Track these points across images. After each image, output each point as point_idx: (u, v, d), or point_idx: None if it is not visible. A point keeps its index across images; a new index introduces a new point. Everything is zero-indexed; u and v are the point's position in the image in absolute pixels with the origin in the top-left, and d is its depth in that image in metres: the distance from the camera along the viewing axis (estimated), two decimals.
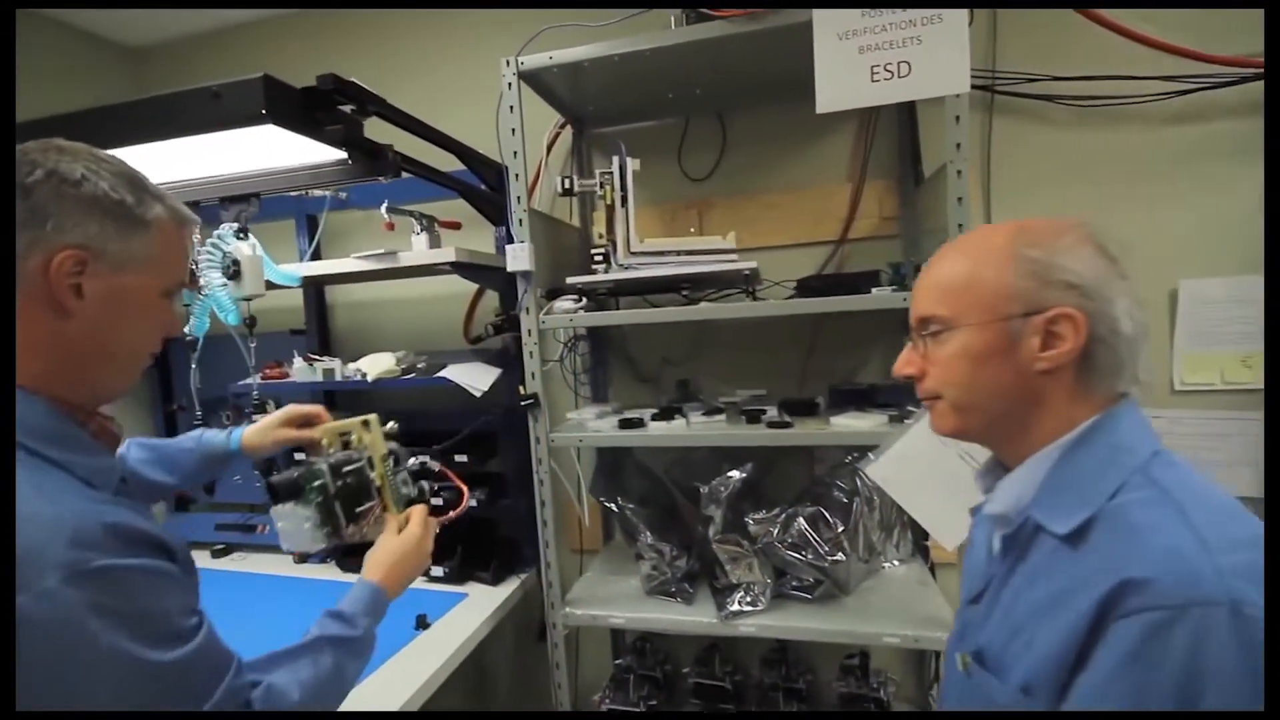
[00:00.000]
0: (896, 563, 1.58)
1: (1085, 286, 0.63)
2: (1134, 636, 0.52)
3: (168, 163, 1.34)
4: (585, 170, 1.81)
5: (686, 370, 1.77)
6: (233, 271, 1.30)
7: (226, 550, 2.07)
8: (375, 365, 1.60)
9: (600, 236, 1.55)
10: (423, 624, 1.48)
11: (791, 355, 1.71)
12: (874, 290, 1.33)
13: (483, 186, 1.70)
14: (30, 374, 0.63)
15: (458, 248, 1.47)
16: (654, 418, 1.44)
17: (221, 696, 0.63)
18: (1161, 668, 0.50)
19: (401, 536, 0.95)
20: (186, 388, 2.16)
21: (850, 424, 1.30)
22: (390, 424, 1.07)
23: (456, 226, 1.74)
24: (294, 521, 0.91)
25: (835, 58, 1.18)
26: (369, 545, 0.97)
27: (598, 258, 1.44)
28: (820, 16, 1.17)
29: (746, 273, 1.34)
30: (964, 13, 1.13)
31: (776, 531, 1.37)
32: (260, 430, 1.12)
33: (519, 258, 1.35)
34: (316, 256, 2.02)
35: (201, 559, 2.04)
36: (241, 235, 1.33)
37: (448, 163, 1.56)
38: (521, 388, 1.41)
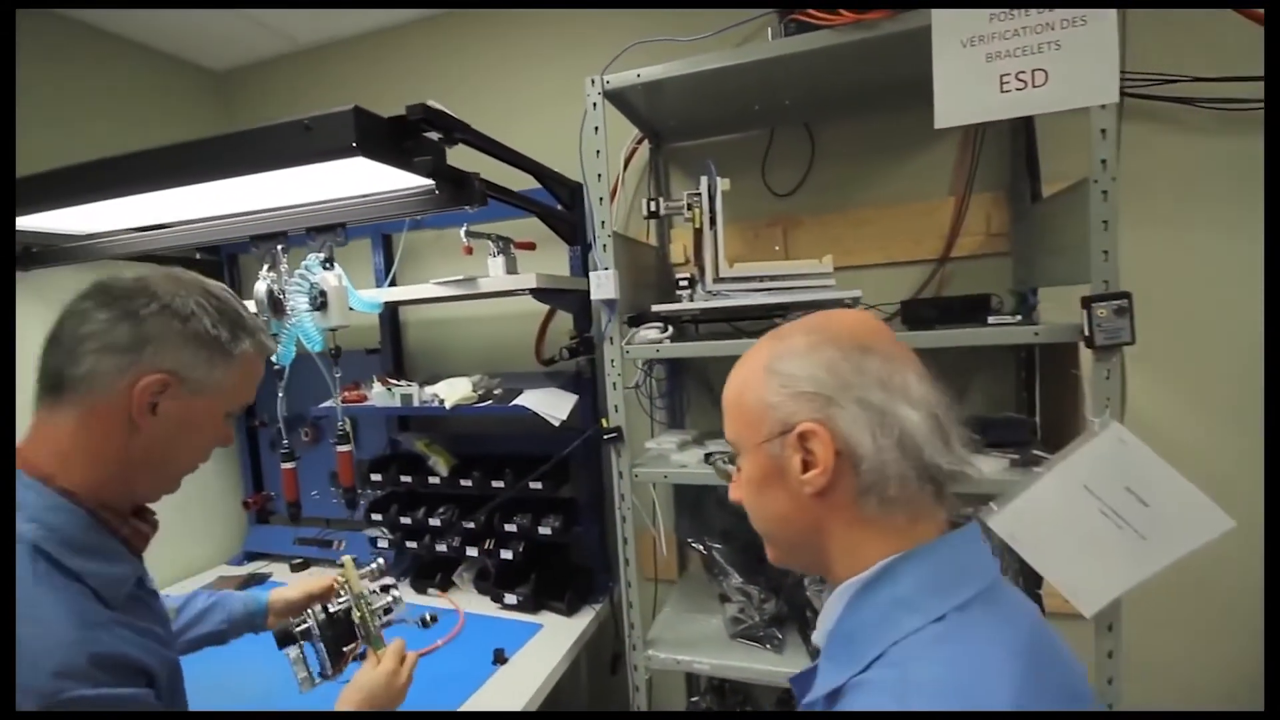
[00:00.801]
0: None
1: (826, 394, 0.56)
2: None
3: (252, 192, 1.34)
4: (663, 187, 1.74)
5: None
6: (319, 302, 1.29)
7: (304, 564, 2.10)
8: (452, 391, 1.58)
9: (686, 260, 1.47)
10: (500, 658, 1.44)
11: None
12: (991, 320, 1.21)
13: (558, 206, 1.65)
14: (85, 480, 0.69)
15: (538, 273, 1.42)
16: None
17: None
18: None
19: (374, 672, 0.97)
20: (268, 406, 2.22)
21: None
22: (375, 564, 1.14)
23: (531, 247, 1.70)
24: (295, 664, 1.03)
25: (958, 66, 1.07)
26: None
27: (682, 283, 1.36)
28: (941, 20, 1.06)
29: (849, 302, 1.23)
30: (1112, 13, 1.00)
31: None
32: (285, 606, 1.15)
33: (603, 285, 1.29)
34: (392, 275, 2.02)
35: (280, 572, 2.09)
36: (328, 265, 1.32)
37: (520, 180, 1.52)
38: (604, 420, 1.35)
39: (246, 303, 0.87)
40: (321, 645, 1.02)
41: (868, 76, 1.35)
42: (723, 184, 1.31)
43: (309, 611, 1.04)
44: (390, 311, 2.05)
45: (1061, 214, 1.20)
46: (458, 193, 1.17)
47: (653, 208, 1.34)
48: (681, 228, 1.73)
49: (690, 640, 1.42)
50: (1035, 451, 1.18)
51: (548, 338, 1.90)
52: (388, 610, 1.09)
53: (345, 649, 1.04)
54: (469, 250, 1.52)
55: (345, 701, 0.93)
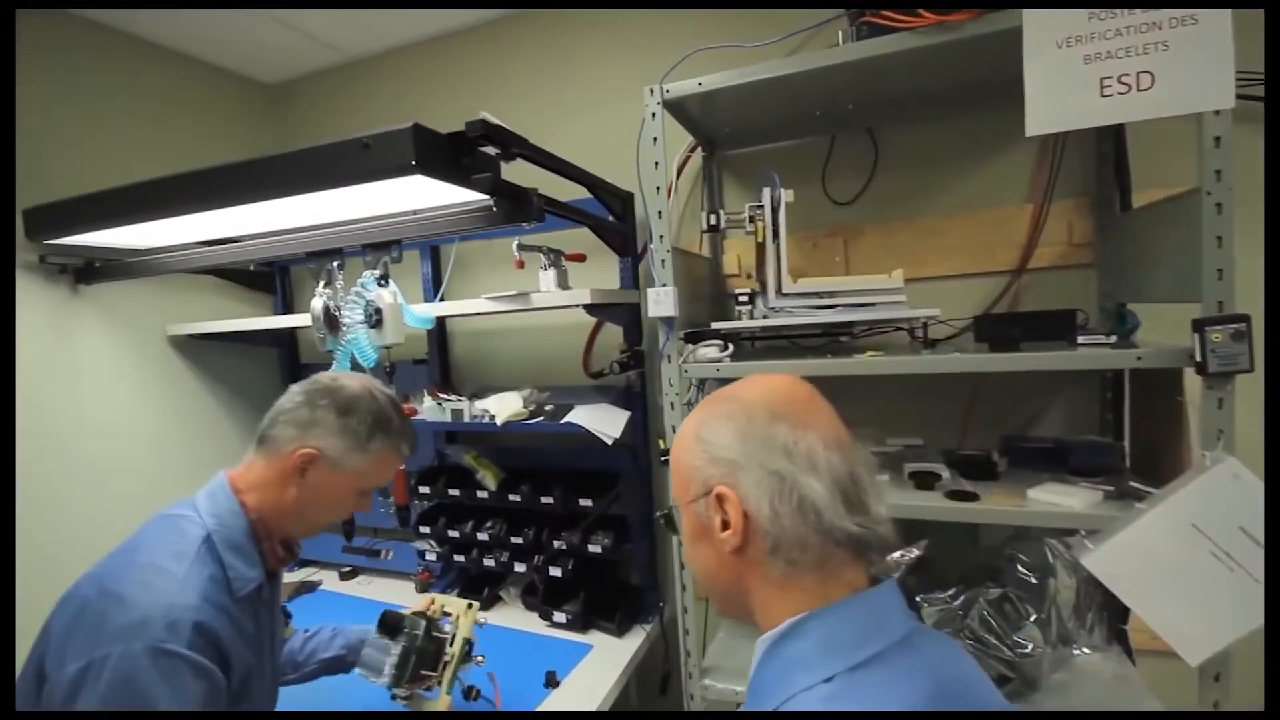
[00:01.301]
0: (1088, 650, 1.35)
1: (731, 459, 0.61)
2: None
3: (308, 208, 1.33)
4: (716, 196, 1.68)
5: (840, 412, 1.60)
6: (375, 320, 1.28)
7: (353, 573, 2.12)
8: (504, 407, 1.55)
9: (741, 272, 1.41)
10: (552, 682, 1.42)
11: (950, 400, 1.51)
12: (1082, 340, 1.12)
13: (609, 216, 1.62)
14: (257, 504, 0.98)
15: (592, 289, 1.39)
16: None
17: None
18: None
19: None
20: None
21: (1054, 500, 1.10)
22: (482, 617, 1.30)
23: (581, 259, 1.67)
24: (379, 651, 1.20)
25: (1053, 69, 0.99)
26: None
27: (742, 299, 1.31)
28: (1035, 21, 0.98)
29: (923, 321, 1.16)
30: (1227, 13, 0.91)
31: (955, 616, 1.19)
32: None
33: (662, 303, 1.24)
34: (443, 290, 2.02)
35: (330, 579, 2.10)
36: (383, 282, 1.30)
37: (570, 189, 1.49)
38: (660, 440, 1.31)
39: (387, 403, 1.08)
40: (411, 656, 1.18)
41: (942, 79, 1.27)
42: (786, 195, 1.25)
43: (420, 622, 1.22)
44: (438, 322, 2.04)
45: (1161, 225, 1.11)
46: (516, 209, 1.14)
47: (712, 221, 1.29)
48: (735, 238, 1.68)
49: (747, 669, 1.36)
50: (1133, 483, 1.09)
51: (595, 350, 1.87)
52: (466, 657, 1.23)
53: (421, 673, 1.19)
54: (520, 264, 1.49)
55: None
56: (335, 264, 1.35)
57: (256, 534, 0.97)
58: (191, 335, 1.95)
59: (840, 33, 1.16)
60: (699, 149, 1.65)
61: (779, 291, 1.26)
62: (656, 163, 1.25)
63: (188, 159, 1.27)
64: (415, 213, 1.41)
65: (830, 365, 1.18)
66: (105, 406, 1.79)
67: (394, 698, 1.22)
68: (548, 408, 1.61)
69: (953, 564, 1.39)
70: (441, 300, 1.93)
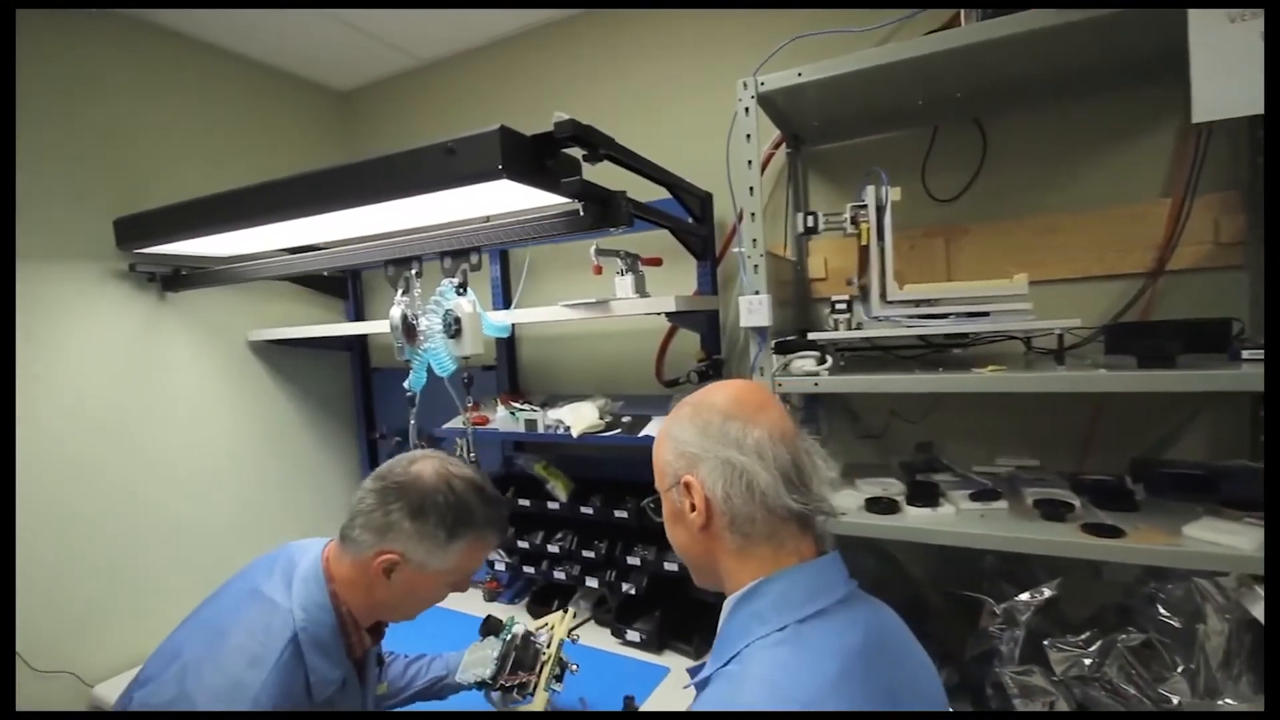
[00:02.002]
0: (1232, 701, 1.19)
1: (693, 453, 0.73)
2: None
3: (386, 215, 1.31)
4: (802, 195, 1.58)
5: (924, 429, 1.48)
6: (454, 330, 1.24)
7: None
8: (579, 418, 1.50)
9: (849, 280, 1.31)
10: (630, 707, 1.35)
11: (1067, 416, 1.36)
12: (1246, 355, 0.98)
13: (689, 219, 1.54)
14: (347, 597, 0.96)
15: (676, 296, 1.31)
16: (909, 499, 1.19)
17: None
18: None
19: None
20: (388, 418, 2.26)
21: (1216, 539, 0.96)
22: (576, 634, 1.31)
23: (658, 263, 1.60)
24: (480, 651, 1.22)
25: (1224, 47, 0.86)
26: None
27: (840, 306, 1.21)
28: None
29: (1059, 333, 1.04)
30: None
31: (1090, 664, 1.06)
32: None
33: (755, 311, 1.16)
34: (509, 290, 1.99)
35: None
36: (461, 291, 1.27)
37: (647, 189, 1.41)
38: None
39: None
40: (511, 653, 1.21)
41: (1070, 59, 1.14)
42: (893, 193, 1.14)
43: (519, 625, 1.24)
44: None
45: None
46: (604, 213, 1.08)
47: (809, 223, 1.19)
48: (823, 239, 1.57)
49: None
50: None
51: (668, 357, 1.79)
52: (561, 670, 1.22)
53: (518, 673, 1.21)
54: (598, 270, 1.43)
55: None
56: (414, 271, 1.32)
57: (345, 626, 0.95)
58: (270, 340, 1.98)
59: (962, 13, 1.05)
60: (783, 145, 1.55)
61: (884, 299, 1.15)
62: (749, 161, 1.17)
63: (262, 168, 1.27)
64: (489, 218, 1.37)
65: (951, 381, 1.07)
66: (188, 409, 1.83)
67: (489, 698, 1.23)
68: (625, 419, 1.55)
69: (1074, 603, 1.25)
70: (514, 307, 1.90)
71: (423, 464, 0.99)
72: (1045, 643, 1.09)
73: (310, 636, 0.90)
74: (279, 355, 2.08)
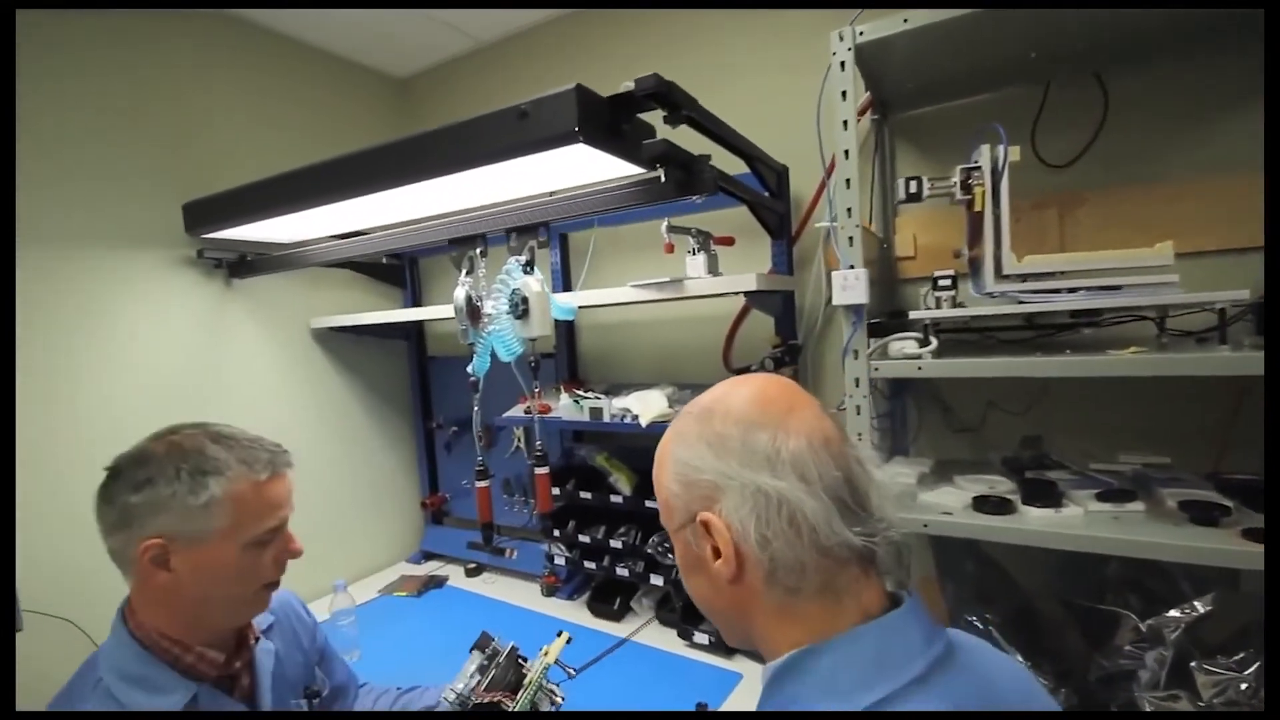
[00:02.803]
0: None
1: (708, 480, 0.55)
2: None
3: (447, 193, 1.25)
4: (888, 167, 1.45)
5: (1028, 422, 1.34)
6: (521, 310, 1.17)
7: (478, 569, 2.08)
8: (647, 407, 1.41)
9: (957, 254, 1.18)
10: (704, 713, 1.26)
11: (1203, 408, 1.20)
12: None
13: (765, 193, 1.43)
14: (153, 622, 0.82)
15: (757, 274, 1.21)
16: (1025, 499, 1.05)
17: None
18: None
19: None
20: (444, 407, 2.23)
21: None
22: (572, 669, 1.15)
23: (730, 242, 1.49)
24: (464, 667, 1.09)
25: None
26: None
27: (943, 282, 1.09)
28: None
29: (1221, 307, 0.89)
30: None
31: (1246, 689, 0.92)
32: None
33: (852, 288, 1.04)
34: (568, 275, 1.92)
35: (455, 575, 2.08)
36: (528, 269, 1.20)
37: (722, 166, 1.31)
38: None
39: None
40: (493, 669, 1.07)
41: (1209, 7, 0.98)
42: (1011, 153, 1.01)
43: (510, 644, 1.10)
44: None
45: None
46: (686, 180, 0.99)
47: (911, 189, 1.07)
48: (911, 214, 1.44)
49: None
50: None
51: (736, 343, 1.69)
52: (552, 699, 1.08)
53: (495, 693, 1.06)
54: (670, 248, 1.34)
55: None
56: (478, 250, 1.26)
57: (165, 652, 0.82)
58: (331, 328, 1.97)
59: None
60: (867, 112, 1.43)
61: (999, 273, 1.02)
62: (845, 122, 1.05)
63: (324, 156, 1.23)
64: (553, 194, 1.30)
65: (1086, 365, 0.93)
66: (251, 394, 1.84)
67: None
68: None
69: (1210, 619, 1.09)
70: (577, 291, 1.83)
71: (126, 452, 0.84)
72: (1192, 665, 0.94)
73: (117, 676, 0.79)
74: (339, 344, 2.07)
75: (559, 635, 1.11)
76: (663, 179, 0.99)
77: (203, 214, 1.51)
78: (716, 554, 0.55)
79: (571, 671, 1.12)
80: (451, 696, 1.05)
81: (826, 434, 0.55)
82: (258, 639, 0.95)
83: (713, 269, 1.37)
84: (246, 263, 1.72)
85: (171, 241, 1.65)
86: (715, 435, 0.56)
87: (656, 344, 1.87)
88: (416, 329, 2.23)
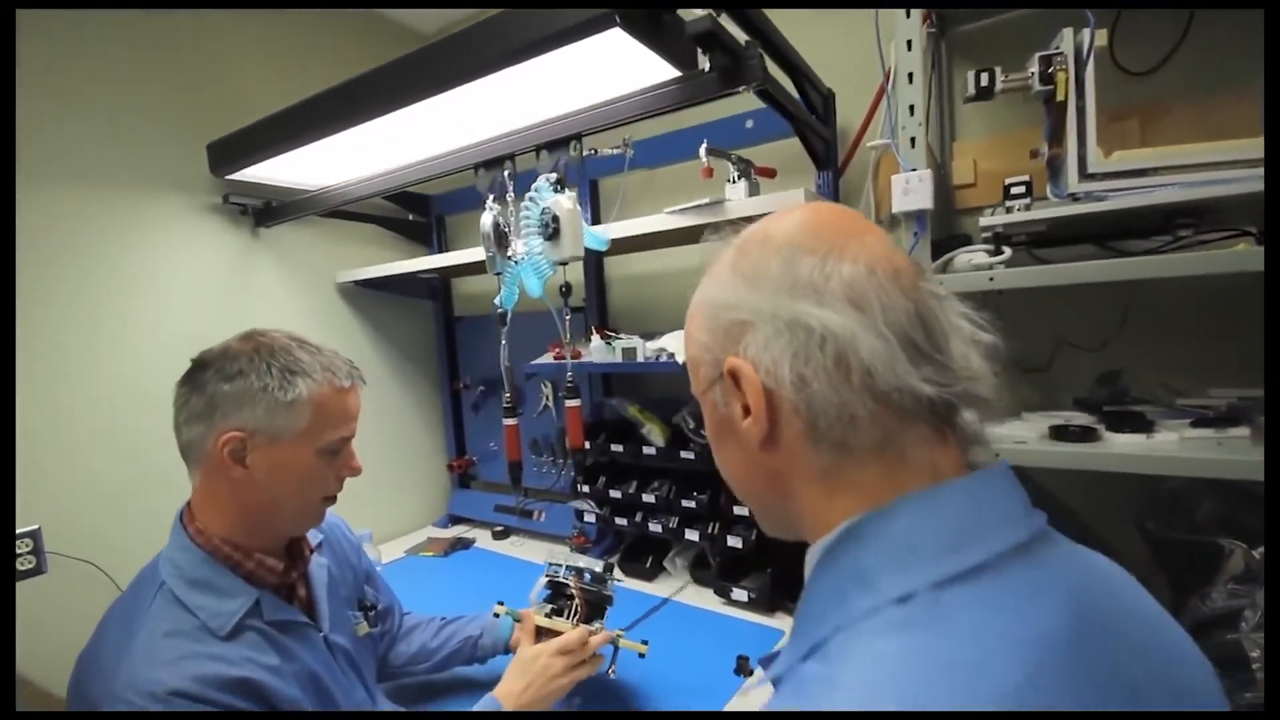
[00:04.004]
0: None
1: (744, 320, 0.44)
2: None
3: (471, 120, 1.19)
4: (945, 89, 1.35)
5: (1104, 359, 1.22)
6: (551, 230, 1.10)
7: (505, 533, 2.02)
8: (682, 345, 1.33)
9: (1038, 150, 1.07)
10: (745, 669, 1.18)
11: None
12: None
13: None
14: (213, 526, 0.82)
15: (805, 189, 1.12)
16: (1110, 427, 0.95)
17: None
18: None
19: (530, 653, 1.02)
20: (472, 367, 2.18)
21: None
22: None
23: (772, 174, 1.41)
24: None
25: None
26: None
27: (1016, 190, 0.98)
28: None
29: None
30: None
31: None
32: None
33: (915, 192, 0.95)
34: (598, 223, 1.85)
35: (483, 538, 2.03)
36: (559, 188, 1.12)
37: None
38: None
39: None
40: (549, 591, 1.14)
41: None
42: (1099, 36, 0.91)
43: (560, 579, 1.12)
44: (596, 265, 1.88)
45: None
46: (733, 68, 0.90)
47: (983, 82, 0.97)
48: (970, 140, 1.34)
49: None
50: None
51: None
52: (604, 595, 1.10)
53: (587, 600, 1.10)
54: (709, 172, 1.25)
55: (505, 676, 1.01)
56: (506, 173, 1.19)
57: (226, 558, 0.82)
58: (357, 283, 1.93)
59: None
60: (926, 23, 1.31)
61: (1083, 172, 0.92)
62: (908, 10, 0.96)
63: None
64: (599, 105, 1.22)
65: (1188, 262, 0.83)
66: None
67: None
68: None
69: None
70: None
71: (215, 347, 0.85)
72: None
73: (181, 579, 0.79)
74: (366, 301, 2.03)
75: (643, 643, 1.09)
76: (706, 67, 0.91)
77: (227, 152, 1.48)
78: (746, 411, 0.44)
79: (613, 671, 1.09)
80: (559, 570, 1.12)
81: (897, 265, 0.44)
82: (312, 551, 0.96)
83: (754, 195, 1.28)
84: (272, 209, 1.69)
85: (197, 187, 1.62)
86: (751, 266, 0.45)
87: (688, 297, 1.78)
88: (444, 288, 2.18)
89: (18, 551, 1.33)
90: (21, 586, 1.32)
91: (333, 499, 0.90)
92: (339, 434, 0.86)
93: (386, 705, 1.02)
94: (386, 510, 2.08)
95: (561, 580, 1.11)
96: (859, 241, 0.44)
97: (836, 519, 0.42)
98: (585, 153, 1.26)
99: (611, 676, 1.09)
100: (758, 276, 0.44)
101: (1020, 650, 0.34)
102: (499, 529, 2.03)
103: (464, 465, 2.18)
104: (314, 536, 0.99)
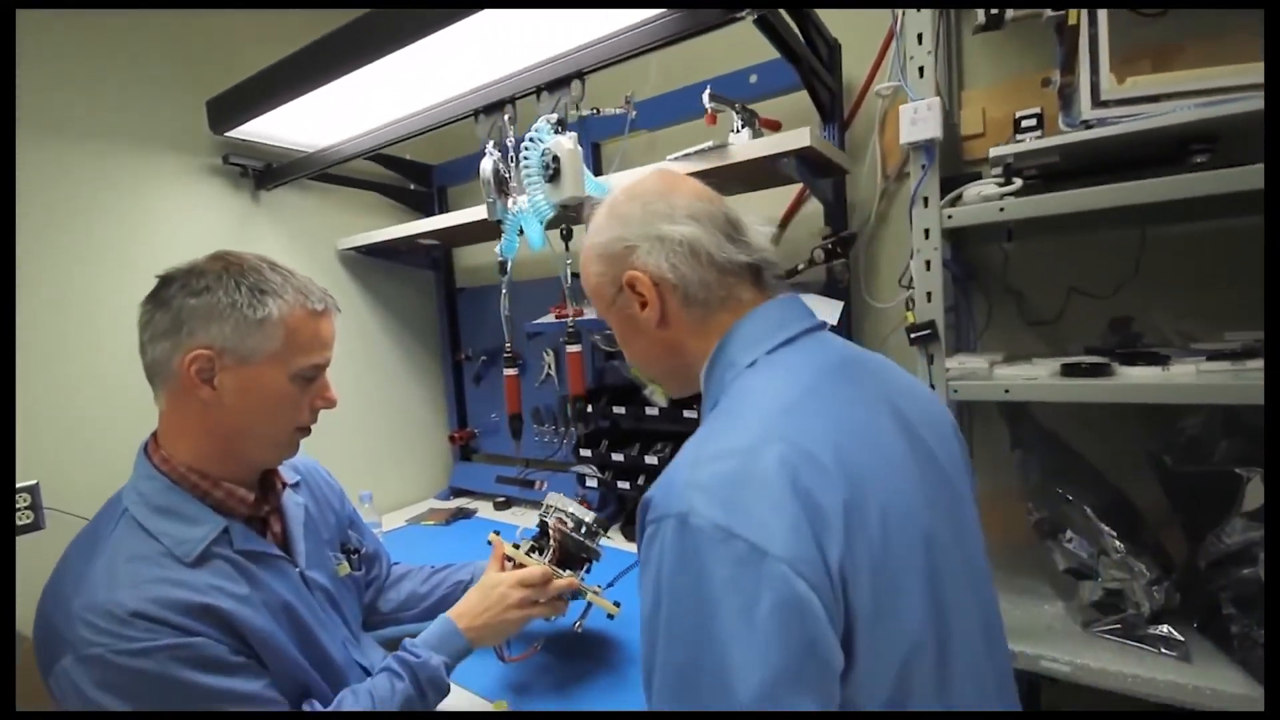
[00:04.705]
0: None
1: (626, 245, 0.68)
2: (641, 545, 0.55)
3: (473, 68, 1.17)
4: (954, 34, 1.32)
5: (1115, 306, 1.20)
6: (552, 172, 1.09)
7: (507, 504, 2.01)
8: None
9: (1050, 79, 1.05)
10: None
11: None
12: None
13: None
14: (179, 453, 0.79)
15: (810, 129, 1.10)
16: (1124, 363, 0.92)
17: None
18: (648, 572, 0.53)
19: (490, 581, 0.99)
20: (471, 339, 2.17)
21: None
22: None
23: (776, 126, 1.39)
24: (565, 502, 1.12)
25: None
26: None
27: (1026, 123, 0.96)
28: None
29: None
30: None
31: None
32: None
33: (923, 121, 0.93)
34: None
35: (485, 509, 2.01)
36: (560, 129, 1.11)
37: (757, 53, 1.19)
38: (909, 313, 1.00)
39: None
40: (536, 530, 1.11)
41: None
42: None
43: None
44: None
45: None
46: None
47: (993, 10, 0.94)
48: (980, 88, 1.31)
49: (1019, 627, 1.02)
50: None
51: (781, 249, 1.58)
52: (586, 546, 1.06)
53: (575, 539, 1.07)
54: (712, 119, 1.23)
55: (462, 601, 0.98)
56: (507, 117, 1.18)
57: (193, 486, 0.79)
58: (358, 250, 1.92)
59: None
60: None
61: (1096, 98, 0.89)
62: None
63: None
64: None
65: (1220, 179, 0.80)
66: None
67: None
68: None
69: None
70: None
71: (183, 265, 0.80)
72: None
73: (144, 506, 0.76)
74: (367, 270, 2.02)
75: (615, 605, 1.07)
76: None
77: (227, 108, 1.46)
78: (644, 305, 0.67)
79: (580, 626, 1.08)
80: (550, 512, 1.08)
81: (707, 194, 0.70)
82: (285, 485, 0.92)
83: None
84: (273, 170, 1.68)
85: (197, 148, 1.61)
86: (620, 215, 0.69)
87: None
88: (445, 258, 2.17)
89: (16, 506, 1.33)
90: (19, 541, 1.31)
91: (306, 430, 0.86)
92: (312, 360, 0.82)
93: (376, 653, 0.99)
94: (387, 483, 2.06)
95: (546, 520, 1.08)
96: (682, 188, 0.70)
97: (711, 346, 0.66)
98: (587, 112, 1.25)
99: (578, 630, 1.07)
100: (630, 217, 0.68)
101: (815, 368, 0.62)
102: (500, 499, 2.02)
103: (465, 437, 2.17)
104: (291, 476, 0.95)
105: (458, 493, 2.17)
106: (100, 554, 0.73)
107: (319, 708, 0.79)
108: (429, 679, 0.84)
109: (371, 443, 2.03)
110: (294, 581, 0.85)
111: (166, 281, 0.79)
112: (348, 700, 0.80)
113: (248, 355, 0.77)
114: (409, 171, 2.08)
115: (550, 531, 1.05)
